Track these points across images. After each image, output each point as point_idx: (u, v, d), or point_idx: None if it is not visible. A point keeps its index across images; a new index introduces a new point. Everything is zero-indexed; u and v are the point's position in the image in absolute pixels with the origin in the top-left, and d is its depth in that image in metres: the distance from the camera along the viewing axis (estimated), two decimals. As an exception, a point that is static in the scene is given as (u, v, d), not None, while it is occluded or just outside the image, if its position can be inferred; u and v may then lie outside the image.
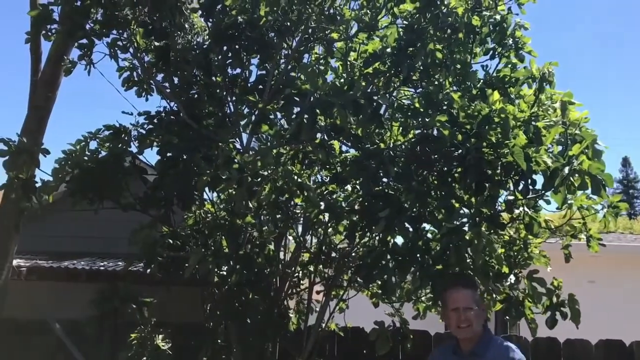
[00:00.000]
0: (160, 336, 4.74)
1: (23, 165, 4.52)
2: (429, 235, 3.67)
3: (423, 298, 5.14)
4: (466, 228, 3.20)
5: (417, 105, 3.43)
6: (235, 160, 3.74)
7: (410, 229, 3.36)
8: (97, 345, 5.79)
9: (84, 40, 4.60)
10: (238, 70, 5.00)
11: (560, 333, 5.47)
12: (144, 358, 4.60)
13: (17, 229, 4.74)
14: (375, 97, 3.28)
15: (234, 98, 5.00)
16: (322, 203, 3.77)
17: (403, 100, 4.31)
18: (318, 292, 5.55)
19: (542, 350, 5.41)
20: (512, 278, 3.64)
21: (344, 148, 4.55)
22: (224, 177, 3.50)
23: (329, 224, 5.03)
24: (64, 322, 5.79)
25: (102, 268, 5.73)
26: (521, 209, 3.56)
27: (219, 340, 4.67)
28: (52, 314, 5.74)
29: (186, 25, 5.09)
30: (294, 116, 3.91)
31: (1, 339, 5.69)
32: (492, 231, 3.68)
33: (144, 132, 4.91)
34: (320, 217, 4.68)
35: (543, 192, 3.55)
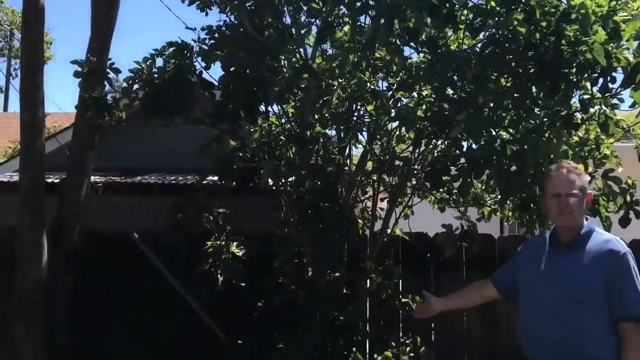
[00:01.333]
0: (235, 244, 4.98)
1: (96, 84, 4.68)
2: (502, 138, 3.67)
3: (489, 202, 5.22)
4: (544, 128, 3.19)
5: (492, 4, 3.34)
6: (306, 69, 3.76)
7: (485, 132, 3.37)
8: (174, 254, 6.13)
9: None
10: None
11: (627, 234, 5.51)
12: (219, 270, 4.84)
13: (93, 146, 4.96)
14: (450, -3, 3.20)
15: (292, 7, 4.95)
16: (393, 110, 3.78)
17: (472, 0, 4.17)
18: (382, 200, 5.70)
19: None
20: (587, 177, 3.64)
21: (406, 53, 4.51)
22: (302, 87, 3.54)
23: (393, 133, 5.09)
24: (142, 234, 6.12)
25: (174, 182, 5.99)
26: (597, 107, 3.50)
27: (292, 246, 4.90)
28: (131, 226, 6.07)
29: None
30: (360, 22, 3.86)
31: (87, 250, 6.09)
32: (565, 131, 3.66)
33: (206, 47, 4.96)
34: (386, 127, 4.74)
35: (621, 89, 3.48)
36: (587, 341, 2.21)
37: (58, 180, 6.00)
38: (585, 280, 2.24)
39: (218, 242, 4.94)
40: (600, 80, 3.28)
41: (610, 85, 3.30)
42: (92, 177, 6.11)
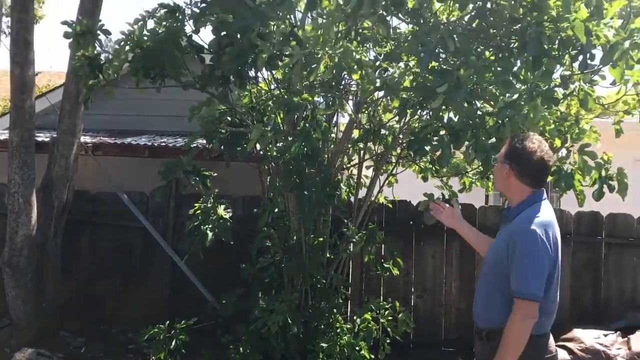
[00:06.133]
0: (222, 206, 5.07)
1: (87, 45, 4.70)
2: (482, 110, 3.76)
3: (470, 173, 5.34)
4: (522, 103, 3.28)
5: (478, -23, 3.39)
6: (293, 37, 3.81)
7: (466, 104, 3.45)
8: (162, 214, 6.25)
9: None
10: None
11: (604, 209, 5.66)
12: (208, 226, 4.94)
13: (86, 107, 5.01)
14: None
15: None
16: (378, 80, 3.85)
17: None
18: (367, 168, 5.81)
19: (585, 222, 5.63)
20: (563, 151, 3.76)
21: (394, 23, 4.54)
22: (286, 54, 3.60)
23: (380, 102, 5.16)
24: (130, 194, 6.23)
25: (163, 144, 6.04)
26: (577, 84, 3.59)
27: (278, 210, 5.00)
28: (119, 186, 6.17)
29: None
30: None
31: (77, 208, 6.19)
32: (545, 106, 3.75)
33: (197, 10, 4.97)
34: (373, 96, 4.81)
35: (600, 66, 3.56)
36: (493, 308, 2.36)
37: (48, 139, 6.05)
38: (498, 252, 2.38)
39: (206, 204, 5.02)
40: (580, 57, 3.36)
41: (589, 62, 3.38)
42: (83, 138, 6.17)
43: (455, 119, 3.57)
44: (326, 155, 5.08)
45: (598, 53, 3.46)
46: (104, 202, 6.39)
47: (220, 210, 5.02)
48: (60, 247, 6.04)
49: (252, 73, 5.05)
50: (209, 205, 5.01)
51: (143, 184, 6.33)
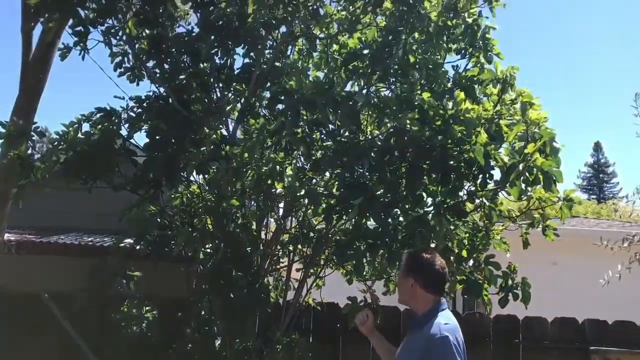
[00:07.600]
0: (147, 308, 5.05)
1: (20, 145, 4.77)
2: (399, 219, 4.02)
3: (393, 277, 5.54)
4: (430, 216, 3.55)
5: (391, 104, 3.76)
6: (223, 148, 4.03)
7: (382, 215, 3.70)
8: (85, 317, 6.08)
9: (80, 28, 4.81)
10: (224, 59, 5.28)
11: (524, 311, 5.93)
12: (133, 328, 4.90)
13: (18, 205, 5.00)
14: (353, 96, 3.60)
15: (220, 85, 5.28)
16: (301, 189, 4.08)
17: (381, 92, 4.62)
18: (297, 270, 5.92)
19: (503, 326, 5.86)
20: (470, 262, 4.03)
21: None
22: (213, 167, 3.80)
23: (308, 207, 5.38)
24: (53, 294, 6.06)
25: (90, 243, 6.00)
26: (481, 199, 3.93)
27: (204, 313, 5.00)
28: (42, 287, 6.01)
29: (175, 14, 5.34)
30: (279, 108, 4.19)
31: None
32: (456, 219, 4.05)
33: (134, 115, 5.17)
34: (300, 201, 5.03)
35: (499, 186, 3.92)
36: None
37: (-30, 236, 5.91)
38: (410, 357, 2.53)
39: (131, 307, 4.99)
40: (481, 177, 3.70)
41: (489, 181, 3.73)
42: (7, 235, 6.06)
43: (371, 229, 3.80)
44: (255, 258, 5.18)
45: (498, 173, 3.82)
46: (25, 302, 6.17)
47: (145, 311, 5.00)
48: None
49: (184, 175, 5.22)
50: (135, 307, 5.00)
51: (69, 283, 6.18)
